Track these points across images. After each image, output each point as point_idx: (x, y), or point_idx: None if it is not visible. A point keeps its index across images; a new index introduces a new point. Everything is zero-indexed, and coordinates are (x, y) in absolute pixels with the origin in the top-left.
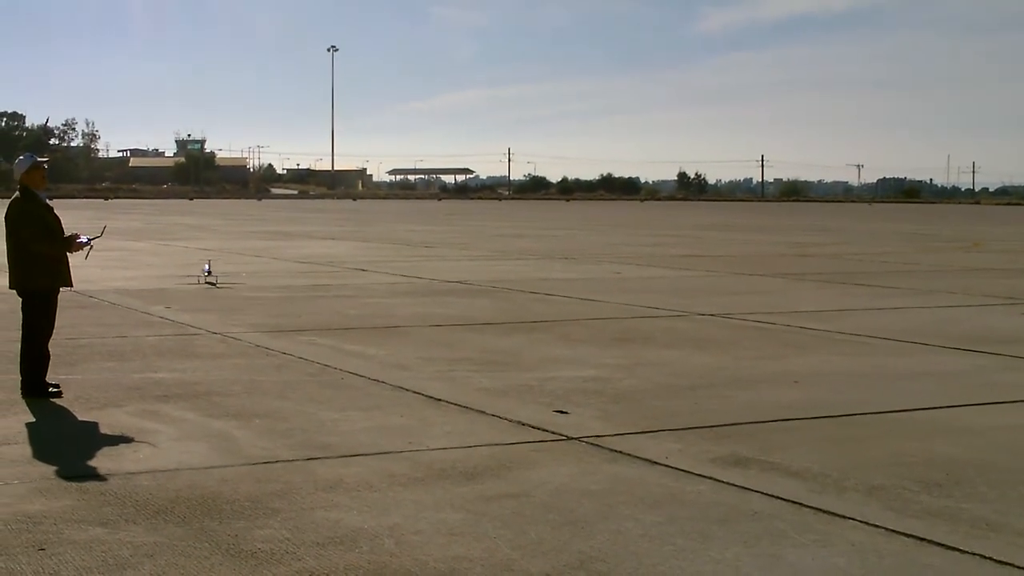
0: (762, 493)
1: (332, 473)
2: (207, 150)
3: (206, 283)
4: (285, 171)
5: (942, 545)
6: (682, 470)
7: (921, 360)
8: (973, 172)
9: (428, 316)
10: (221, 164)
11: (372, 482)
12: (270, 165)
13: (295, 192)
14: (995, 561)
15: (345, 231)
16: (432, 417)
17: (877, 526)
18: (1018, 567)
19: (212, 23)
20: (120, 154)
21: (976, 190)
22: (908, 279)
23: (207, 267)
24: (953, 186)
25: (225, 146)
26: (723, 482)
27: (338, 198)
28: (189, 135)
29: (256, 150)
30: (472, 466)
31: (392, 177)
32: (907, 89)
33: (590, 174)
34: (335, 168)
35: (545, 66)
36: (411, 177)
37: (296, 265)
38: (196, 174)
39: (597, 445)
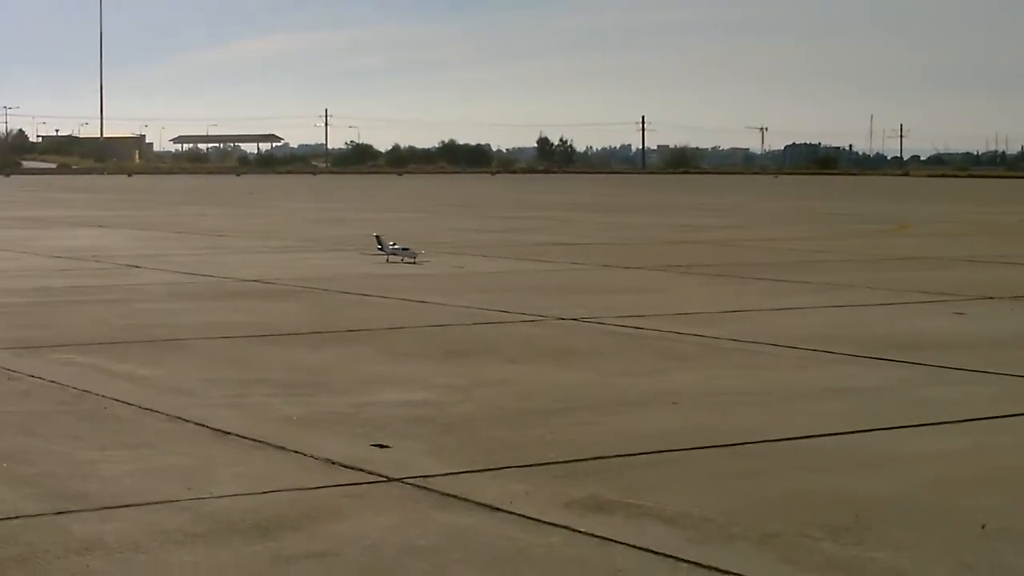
0: (628, 545)
1: (88, 531)
2: None
3: None
4: (40, 139)
5: None
6: (530, 518)
7: (830, 373)
8: (901, 137)
9: (217, 325)
10: None
11: (139, 541)
12: (21, 131)
13: (53, 166)
14: None
15: (117, 216)
16: (218, 456)
17: None
18: None
19: None
20: None
21: (904, 158)
22: (819, 271)
23: None
24: (877, 153)
25: None
26: (580, 532)
27: (109, 173)
28: None
29: (3, 113)
30: (267, 518)
31: (178, 146)
32: (821, 37)
33: (428, 141)
34: (105, 135)
35: (370, 4)
36: (202, 146)
37: (53, 261)
38: None
39: (425, 488)
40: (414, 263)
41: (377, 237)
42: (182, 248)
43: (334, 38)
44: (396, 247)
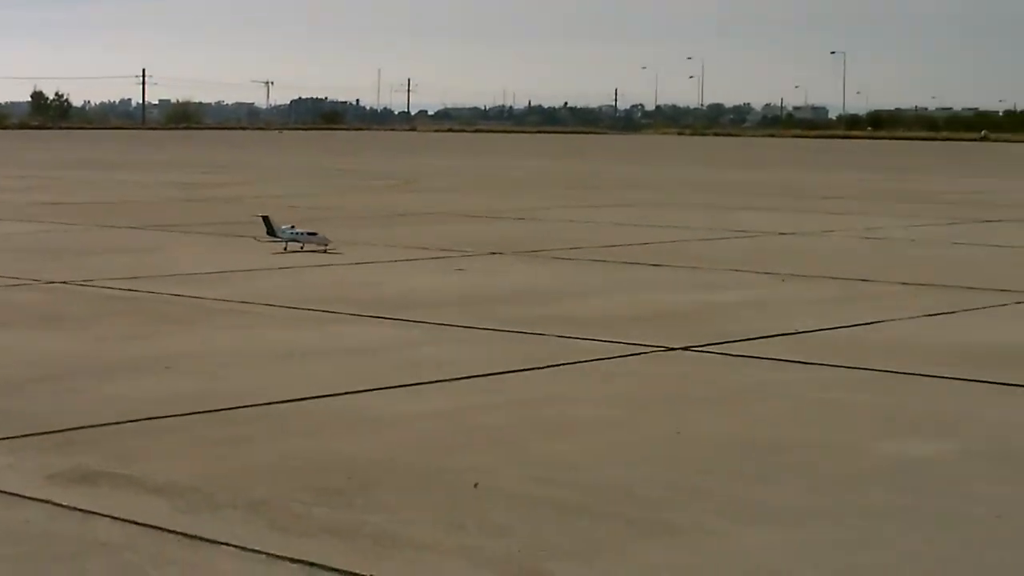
0: (113, 518)
1: None
2: None
3: None
4: None
5: (337, 571)
6: (10, 493)
7: (328, 333)
8: (408, 92)
9: None
10: None
11: None
12: None
13: None
14: None
15: None
16: None
17: (258, 551)
18: None
19: None
20: None
21: (412, 113)
22: (324, 228)
23: None
24: (385, 108)
25: None
26: (63, 506)
27: None
28: None
29: None
30: None
31: None
32: None
33: None
34: None
35: None
36: None
37: None
38: None
39: None
40: (324, 251)
41: (264, 218)
42: None
43: None
44: (296, 231)
